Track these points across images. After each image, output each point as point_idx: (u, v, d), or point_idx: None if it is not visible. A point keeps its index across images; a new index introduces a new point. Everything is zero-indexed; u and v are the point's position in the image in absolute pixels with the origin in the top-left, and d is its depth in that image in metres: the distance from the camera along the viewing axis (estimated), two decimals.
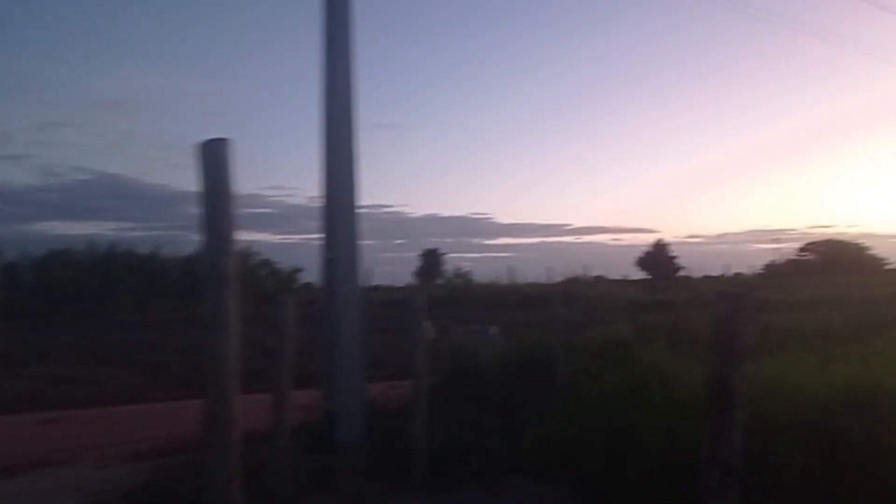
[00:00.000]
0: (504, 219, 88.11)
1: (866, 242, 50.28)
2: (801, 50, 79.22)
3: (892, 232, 76.12)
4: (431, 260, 47.72)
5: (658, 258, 49.56)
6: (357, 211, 7.74)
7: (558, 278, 33.18)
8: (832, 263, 43.52)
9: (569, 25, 71.98)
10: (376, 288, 32.95)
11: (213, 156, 2.61)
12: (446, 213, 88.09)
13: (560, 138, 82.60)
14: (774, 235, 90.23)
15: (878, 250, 49.34)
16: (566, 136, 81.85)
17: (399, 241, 63.91)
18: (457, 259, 63.99)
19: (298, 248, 48.46)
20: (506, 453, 6.25)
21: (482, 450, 6.30)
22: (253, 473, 5.22)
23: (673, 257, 50.06)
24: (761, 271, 45.46)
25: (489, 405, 7.79)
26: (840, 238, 51.45)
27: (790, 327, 11.44)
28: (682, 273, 46.43)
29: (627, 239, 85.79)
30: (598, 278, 39.57)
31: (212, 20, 66.15)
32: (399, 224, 62.29)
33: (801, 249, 50.53)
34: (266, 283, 29.90)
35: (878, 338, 8.77)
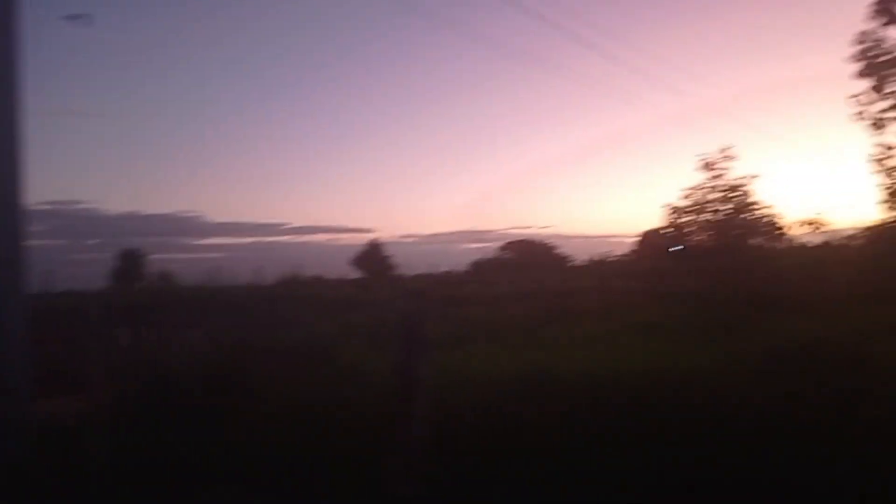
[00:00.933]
0: (216, 217, 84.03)
1: (555, 242, 56.75)
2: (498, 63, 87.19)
3: (576, 233, 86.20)
4: (130, 261, 43.96)
5: (372, 257, 51.00)
6: (23, 208, 6.74)
7: (272, 279, 32.48)
8: (525, 261, 48.35)
9: (283, 16, 71.41)
10: (63, 293, 29.46)
11: None
12: (149, 210, 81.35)
13: (277, 137, 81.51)
14: (479, 236, 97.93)
15: (564, 249, 56.02)
16: (284, 134, 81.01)
17: (94, 241, 57.91)
18: (162, 260, 59.48)
19: None
20: (198, 463, 5.88)
21: (171, 461, 5.87)
22: None
23: (387, 256, 51.88)
24: (468, 269, 48.88)
25: (184, 413, 7.29)
26: (533, 238, 57.39)
27: (485, 319, 12.40)
28: (395, 271, 48.24)
29: (345, 239, 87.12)
30: (315, 278, 39.46)
31: None
32: (93, 222, 56.55)
33: (501, 248, 55.47)
34: None
35: (553, 327, 9.86)
